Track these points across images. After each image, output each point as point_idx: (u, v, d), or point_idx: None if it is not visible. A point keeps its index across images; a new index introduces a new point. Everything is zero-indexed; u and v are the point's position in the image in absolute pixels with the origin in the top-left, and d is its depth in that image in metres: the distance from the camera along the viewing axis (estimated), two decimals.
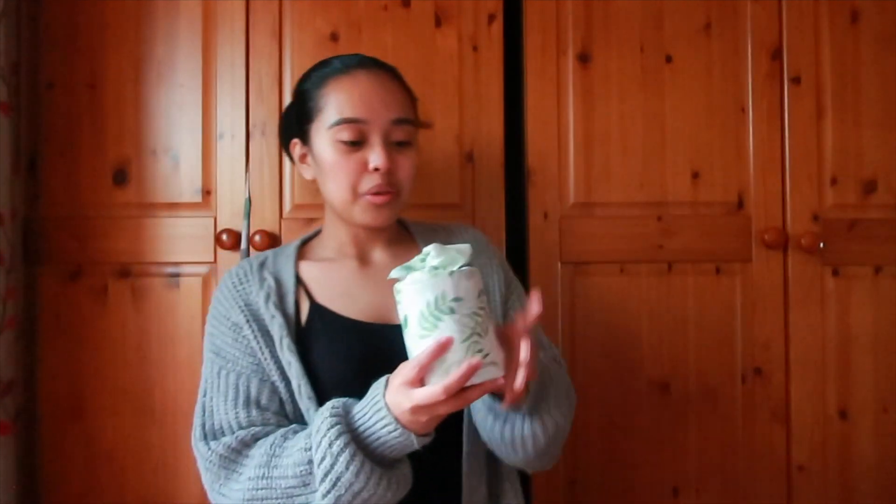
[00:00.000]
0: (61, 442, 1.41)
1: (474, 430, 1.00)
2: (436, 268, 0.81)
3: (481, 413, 0.96)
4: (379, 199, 0.99)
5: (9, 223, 1.34)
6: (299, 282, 1.05)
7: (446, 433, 0.99)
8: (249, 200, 1.41)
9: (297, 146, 1.07)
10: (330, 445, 0.82)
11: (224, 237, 1.39)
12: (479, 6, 1.45)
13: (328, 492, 0.82)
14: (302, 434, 0.90)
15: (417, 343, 0.81)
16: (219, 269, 1.41)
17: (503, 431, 0.92)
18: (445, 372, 0.79)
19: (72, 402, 1.41)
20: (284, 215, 1.42)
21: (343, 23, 1.43)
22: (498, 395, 0.88)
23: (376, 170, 0.98)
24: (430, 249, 0.82)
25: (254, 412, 0.96)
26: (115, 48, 1.43)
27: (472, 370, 0.77)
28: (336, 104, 0.99)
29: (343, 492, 0.82)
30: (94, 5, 1.43)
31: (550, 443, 0.93)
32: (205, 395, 1.00)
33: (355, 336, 1.01)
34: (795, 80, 1.47)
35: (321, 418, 0.85)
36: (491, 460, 1.03)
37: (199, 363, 1.40)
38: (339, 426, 0.83)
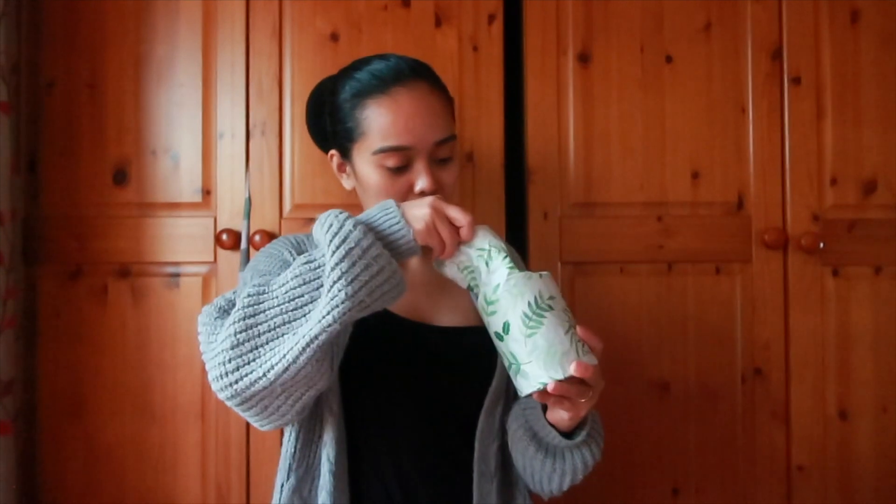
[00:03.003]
0: (61, 442, 1.41)
1: (486, 435, 1.00)
2: (512, 267, 0.86)
3: (522, 443, 0.97)
4: None
5: (9, 223, 1.34)
6: None
7: (459, 438, 1.00)
8: (249, 200, 1.41)
9: (335, 157, 1.06)
10: (336, 216, 0.82)
11: (224, 237, 1.39)
12: (479, 6, 1.45)
13: (338, 247, 0.79)
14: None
15: (525, 343, 0.84)
16: (219, 269, 1.41)
17: (545, 462, 0.95)
18: (553, 357, 0.83)
19: (72, 401, 1.41)
20: (284, 215, 1.42)
21: (343, 23, 1.43)
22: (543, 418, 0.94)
23: (422, 192, 0.97)
24: (499, 247, 0.88)
25: None
26: (115, 48, 1.43)
27: (583, 368, 0.83)
28: (379, 130, 0.96)
29: (353, 245, 0.80)
30: (94, 5, 1.43)
31: (583, 477, 0.97)
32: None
33: (391, 328, 1.01)
34: (795, 81, 1.47)
35: (321, 216, 0.85)
36: (502, 466, 1.03)
37: (199, 363, 1.41)
38: (341, 210, 0.85)
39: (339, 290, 0.79)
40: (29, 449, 1.40)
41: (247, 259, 1.38)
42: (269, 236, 1.39)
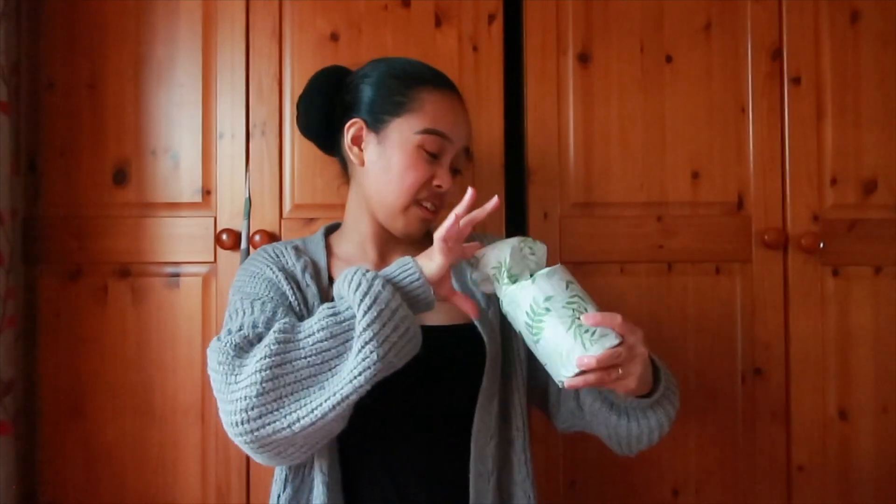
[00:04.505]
0: (61, 442, 1.41)
1: (482, 434, 1.00)
2: (513, 277, 0.90)
3: (603, 413, 0.99)
4: (428, 216, 1.03)
5: (9, 223, 1.34)
6: (329, 272, 1.06)
7: (454, 438, 0.99)
8: (249, 200, 1.41)
9: (356, 126, 1.04)
10: (364, 275, 0.85)
11: (224, 237, 1.39)
12: (479, 6, 1.45)
13: (370, 307, 0.82)
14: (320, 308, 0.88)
15: (536, 349, 0.89)
16: (219, 269, 1.41)
17: (630, 426, 0.98)
18: (559, 358, 0.86)
19: (72, 401, 1.41)
20: (284, 215, 1.42)
21: (343, 23, 1.44)
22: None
23: (439, 187, 1.02)
24: (505, 261, 0.91)
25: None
26: (115, 48, 1.43)
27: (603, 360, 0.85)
28: (432, 113, 1.01)
29: (384, 306, 0.82)
30: (94, 5, 1.43)
31: (668, 428, 0.99)
32: (229, 320, 0.95)
33: None
34: (795, 80, 1.47)
35: (343, 273, 0.87)
36: (499, 465, 1.03)
37: (199, 363, 1.41)
38: (365, 267, 0.87)
39: (371, 352, 0.81)
40: (29, 449, 1.40)
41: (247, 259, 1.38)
42: (269, 236, 1.39)
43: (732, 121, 1.47)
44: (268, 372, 0.82)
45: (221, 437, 1.40)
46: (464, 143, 1.05)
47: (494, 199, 0.90)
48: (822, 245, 1.44)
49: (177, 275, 1.42)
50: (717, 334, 1.45)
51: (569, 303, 0.87)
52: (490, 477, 1.00)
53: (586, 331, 0.86)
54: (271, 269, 1.00)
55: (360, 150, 1.04)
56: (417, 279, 0.88)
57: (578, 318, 0.86)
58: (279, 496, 1.00)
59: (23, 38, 1.42)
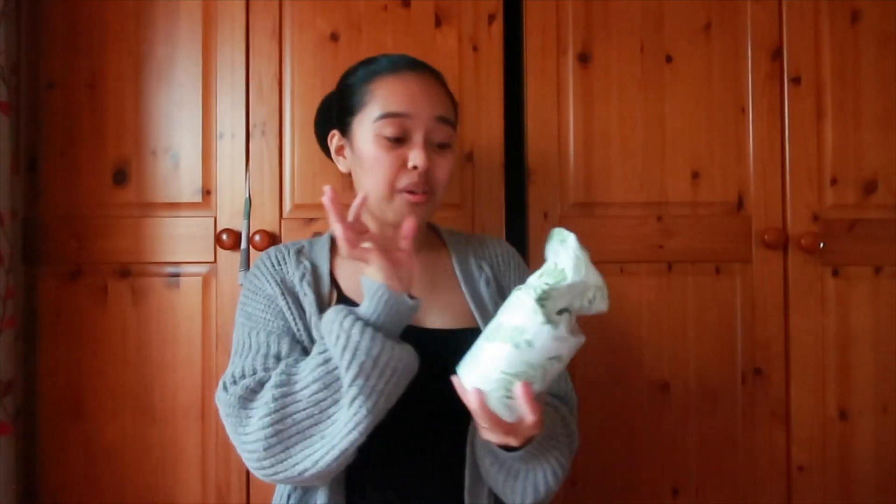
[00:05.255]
0: (61, 442, 1.41)
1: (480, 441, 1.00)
2: (548, 297, 0.80)
3: (481, 452, 0.96)
4: (415, 199, 1.00)
5: (9, 223, 1.34)
6: (331, 272, 1.06)
7: (455, 441, 0.99)
8: (249, 200, 1.41)
9: (334, 138, 1.07)
10: (341, 324, 0.85)
11: (224, 237, 1.39)
12: (479, 6, 1.45)
13: (350, 362, 0.83)
14: (313, 349, 0.90)
15: (485, 339, 0.84)
16: (219, 269, 1.41)
17: (506, 479, 0.94)
18: (473, 367, 0.84)
19: (72, 401, 1.41)
20: (284, 215, 1.42)
21: (343, 23, 1.44)
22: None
23: (415, 168, 0.99)
24: (564, 279, 0.81)
25: (272, 363, 0.95)
26: (115, 48, 1.43)
27: (476, 399, 0.82)
28: (382, 99, 1.00)
29: (364, 357, 0.83)
30: (94, 5, 1.43)
31: (547, 496, 0.96)
32: (235, 355, 0.99)
33: None
34: (795, 80, 1.47)
35: (326, 317, 0.87)
36: None
37: (199, 363, 1.42)
38: (343, 310, 0.87)
39: (360, 406, 0.83)
40: (29, 449, 1.40)
41: (247, 259, 1.38)
42: (269, 236, 1.39)
43: (732, 121, 1.47)
44: (270, 429, 0.87)
45: (221, 437, 1.40)
46: (433, 113, 1.00)
47: (359, 198, 0.88)
48: (822, 245, 1.44)
49: (177, 275, 1.42)
50: (717, 334, 1.45)
51: (535, 365, 0.80)
52: (485, 484, 0.99)
53: (510, 391, 0.81)
54: (270, 283, 1.02)
55: (344, 157, 1.07)
56: (389, 298, 0.86)
57: (519, 380, 0.80)
58: (290, 495, 1.00)
59: (23, 38, 1.42)
